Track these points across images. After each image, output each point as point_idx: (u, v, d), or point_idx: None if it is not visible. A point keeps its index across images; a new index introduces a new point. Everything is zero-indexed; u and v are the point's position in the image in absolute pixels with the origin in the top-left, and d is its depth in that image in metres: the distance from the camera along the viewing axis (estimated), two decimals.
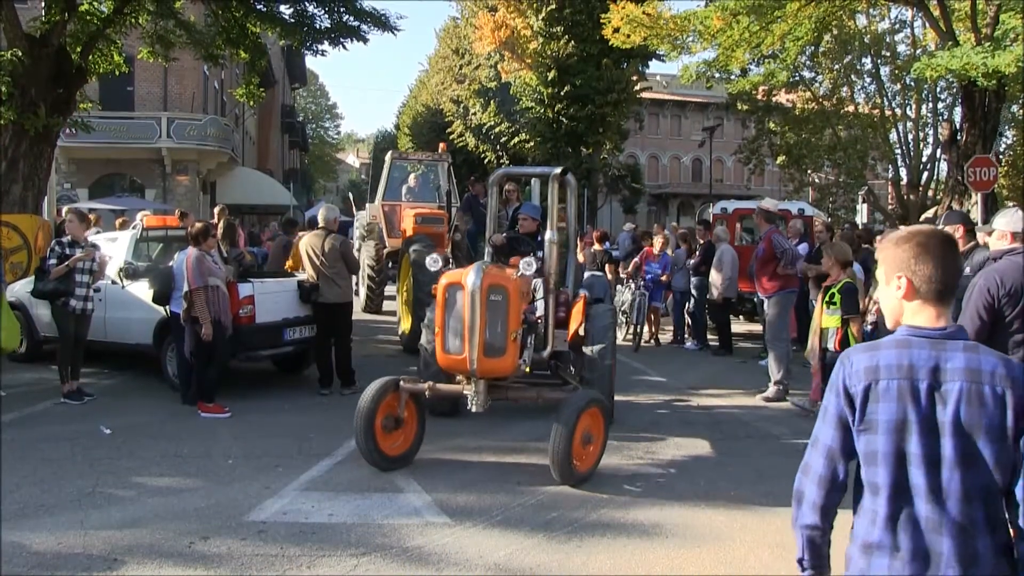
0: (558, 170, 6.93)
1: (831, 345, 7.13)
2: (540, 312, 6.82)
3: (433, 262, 6.55)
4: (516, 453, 6.67)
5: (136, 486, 5.66)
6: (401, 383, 6.07)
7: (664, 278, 12.80)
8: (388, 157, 15.51)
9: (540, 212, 7.91)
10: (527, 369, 6.21)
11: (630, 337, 12.85)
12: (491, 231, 8.12)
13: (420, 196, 15.36)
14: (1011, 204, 22.79)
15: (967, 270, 5.06)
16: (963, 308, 4.51)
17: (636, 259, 13.17)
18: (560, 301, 7.32)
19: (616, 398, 8.85)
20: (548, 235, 6.64)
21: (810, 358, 7.69)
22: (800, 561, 2.31)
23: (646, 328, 13.08)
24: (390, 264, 14.61)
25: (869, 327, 8.33)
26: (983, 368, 1.98)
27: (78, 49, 13.09)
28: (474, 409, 5.95)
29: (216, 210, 13.26)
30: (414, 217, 13.32)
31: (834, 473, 2.13)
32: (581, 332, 7.25)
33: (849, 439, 2.09)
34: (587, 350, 7.10)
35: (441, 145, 16.51)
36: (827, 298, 7.19)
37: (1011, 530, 2.00)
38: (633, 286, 12.90)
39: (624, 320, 13.00)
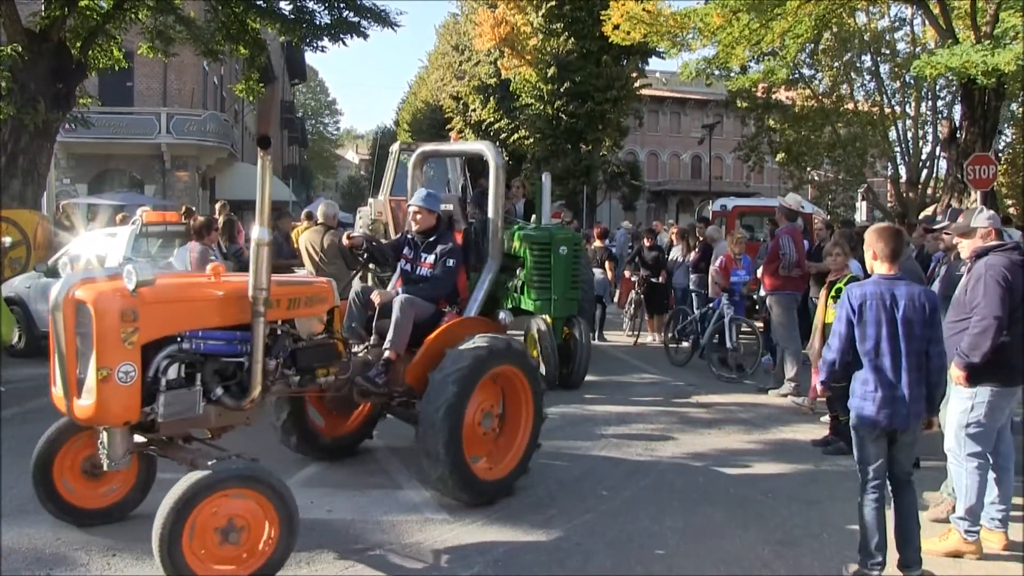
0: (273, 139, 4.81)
1: None
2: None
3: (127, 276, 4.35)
4: None
5: None
6: None
7: (751, 286, 10.81)
8: (395, 148, 13.96)
9: (439, 202, 6.12)
10: (158, 419, 4.18)
11: (630, 335, 12.93)
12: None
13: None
14: (1009, 202, 22.86)
15: (962, 269, 5.08)
16: (978, 300, 4.55)
17: (715, 267, 10.72)
18: (436, 323, 5.67)
19: (615, 397, 8.87)
20: (256, 233, 4.29)
21: (811, 355, 7.63)
22: (822, 382, 4.60)
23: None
24: None
25: None
26: (914, 292, 4.17)
27: (78, 44, 13.09)
28: (105, 466, 4.30)
29: (218, 206, 13.25)
30: None
31: (845, 348, 4.25)
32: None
33: (852, 331, 4.20)
34: (431, 378, 5.18)
35: (452, 135, 15.96)
36: (832, 293, 7.12)
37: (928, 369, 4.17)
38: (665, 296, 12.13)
39: (630, 323, 13.01)
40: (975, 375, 4.58)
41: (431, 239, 5.92)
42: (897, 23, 25.16)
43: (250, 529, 3.97)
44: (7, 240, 11.02)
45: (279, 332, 4.69)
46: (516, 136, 30.25)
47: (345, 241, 6.24)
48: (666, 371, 10.60)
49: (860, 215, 25.03)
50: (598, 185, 34.25)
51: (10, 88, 12.19)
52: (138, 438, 4.37)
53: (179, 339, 4.22)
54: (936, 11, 14.11)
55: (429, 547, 4.70)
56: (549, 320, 9.16)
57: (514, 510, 5.33)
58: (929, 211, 17.37)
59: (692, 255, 13.04)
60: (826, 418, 7.42)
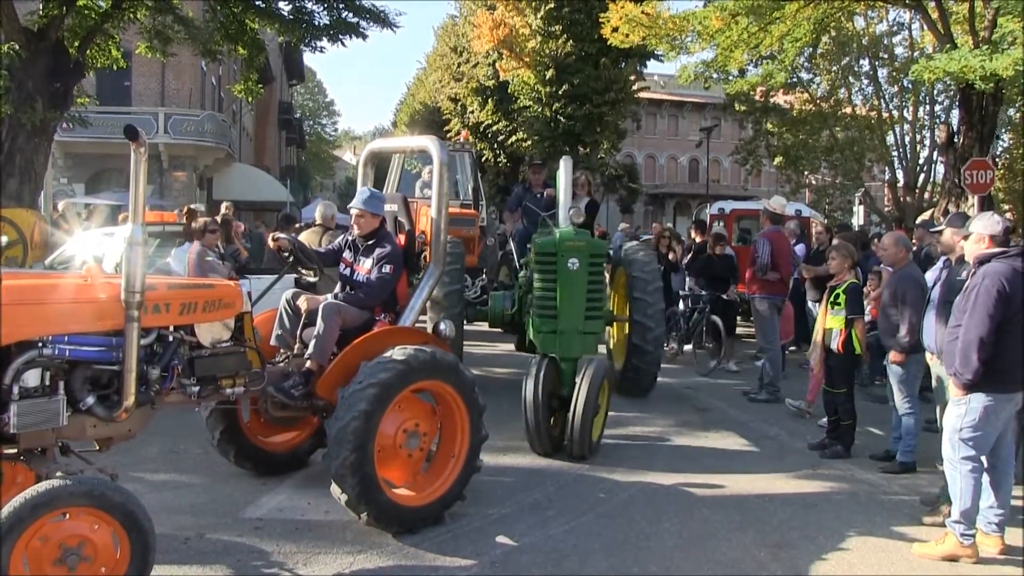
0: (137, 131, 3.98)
1: (835, 346, 6.99)
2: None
3: None
4: (512, 452, 6.67)
5: (133, 482, 5.63)
6: None
7: (739, 288, 10.17)
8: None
9: (382, 203, 5.65)
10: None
11: (674, 349, 11.87)
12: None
13: None
14: (1006, 207, 22.89)
15: (963, 274, 5.08)
16: (971, 308, 4.56)
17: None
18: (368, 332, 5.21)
19: (612, 399, 8.84)
20: (128, 231, 4.02)
21: (811, 359, 7.63)
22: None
23: None
24: None
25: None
26: None
27: (76, 43, 13.06)
28: None
29: (223, 206, 13.29)
30: None
31: None
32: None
33: None
34: (339, 394, 4.78)
35: (463, 133, 15.54)
36: (831, 299, 7.12)
37: None
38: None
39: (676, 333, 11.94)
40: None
41: (370, 242, 5.53)
42: (895, 28, 25.20)
43: (96, 552, 3.59)
44: (4, 239, 10.99)
45: (171, 339, 4.36)
46: (514, 138, 30.25)
47: (271, 243, 5.86)
48: (664, 373, 10.58)
49: (857, 219, 25.02)
50: (596, 187, 34.29)
51: (7, 87, 12.15)
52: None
53: (40, 344, 3.85)
54: (934, 16, 14.13)
55: (425, 548, 4.70)
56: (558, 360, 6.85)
57: (512, 511, 5.34)
58: (926, 215, 17.37)
59: (687, 256, 13.09)
60: (824, 421, 7.42)
